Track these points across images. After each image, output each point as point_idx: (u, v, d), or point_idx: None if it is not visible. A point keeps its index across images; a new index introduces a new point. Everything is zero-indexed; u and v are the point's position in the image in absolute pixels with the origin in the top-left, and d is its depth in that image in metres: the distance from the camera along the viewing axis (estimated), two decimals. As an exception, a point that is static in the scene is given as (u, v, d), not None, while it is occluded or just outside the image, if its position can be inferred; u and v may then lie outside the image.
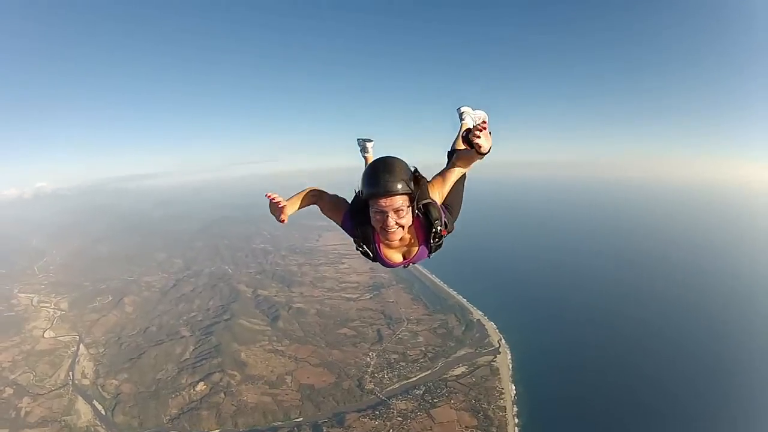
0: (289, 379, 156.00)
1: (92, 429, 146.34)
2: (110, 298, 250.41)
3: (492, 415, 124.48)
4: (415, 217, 9.09)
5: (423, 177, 9.11)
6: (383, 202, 8.60)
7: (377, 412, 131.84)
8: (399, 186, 8.50)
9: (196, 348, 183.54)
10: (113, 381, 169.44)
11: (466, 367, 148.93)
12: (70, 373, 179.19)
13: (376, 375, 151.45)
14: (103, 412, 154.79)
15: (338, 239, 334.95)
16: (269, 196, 10.23)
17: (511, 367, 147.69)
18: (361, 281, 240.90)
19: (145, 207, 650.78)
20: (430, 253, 10.08)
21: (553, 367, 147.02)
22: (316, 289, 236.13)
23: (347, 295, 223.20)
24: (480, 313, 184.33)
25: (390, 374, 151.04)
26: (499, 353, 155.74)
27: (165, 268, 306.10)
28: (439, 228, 9.26)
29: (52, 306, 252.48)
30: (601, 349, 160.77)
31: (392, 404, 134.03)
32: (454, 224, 10.66)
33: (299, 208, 10.56)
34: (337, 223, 10.37)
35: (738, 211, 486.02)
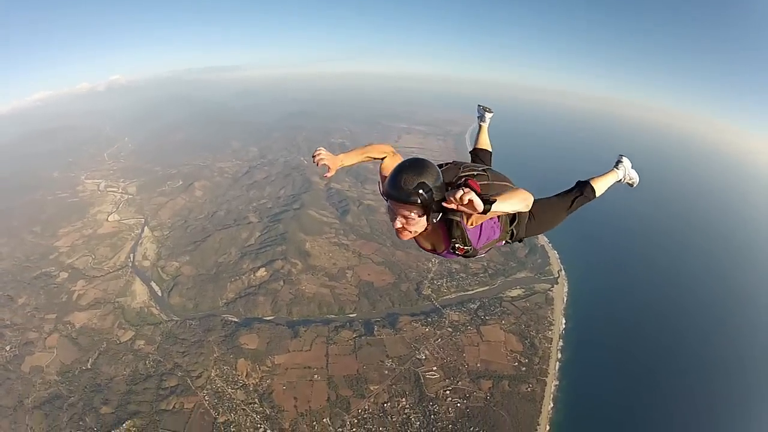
0: (349, 273, 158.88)
1: (146, 310, 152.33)
2: (180, 182, 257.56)
3: (538, 344, 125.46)
4: (440, 223, 9.07)
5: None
6: (392, 204, 8.75)
7: (429, 319, 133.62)
8: (411, 197, 8.35)
9: (261, 234, 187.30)
10: (174, 263, 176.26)
11: (523, 290, 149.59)
12: (131, 255, 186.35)
13: (435, 282, 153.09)
14: (159, 294, 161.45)
15: (417, 142, 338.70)
16: (316, 154, 10.59)
17: (565, 300, 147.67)
18: None
19: (223, 97, 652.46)
20: (463, 255, 9.90)
21: (605, 311, 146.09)
22: None
23: None
24: (545, 239, 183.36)
25: (449, 283, 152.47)
26: (557, 284, 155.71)
27: (240, 155, 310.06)
28: (457, 245, 9.37)
29: (120, 190, 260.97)
30: (655, 304, 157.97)
31: (445, 314, 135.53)
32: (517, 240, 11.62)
33: (358, 163, 11.16)
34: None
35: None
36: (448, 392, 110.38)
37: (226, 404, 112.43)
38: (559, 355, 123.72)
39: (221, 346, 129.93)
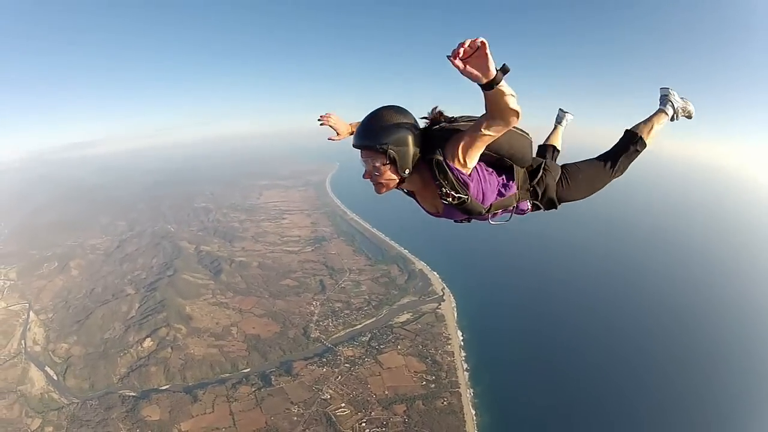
0: (234, 330, 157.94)
1: (46, 396, 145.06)
2: (56, 264, 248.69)
3: (440, 359, 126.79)
4: (428, 174, 7.98)
5: (444, 129, 8.07)
6: (361, 153, 8.06)
7: (324, 359, 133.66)
8: (368, 141, 7.72)
9: (141, 305, 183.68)
10: (63, 345, 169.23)
11: (411, 314, 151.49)
12: (22, 341, 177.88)
13: (321, 323, 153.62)
14: (55, 378, 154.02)
15: (280, 196, 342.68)
16: (324, 116, 9.91)
17: (456, 314, 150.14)
18: (303, 235, 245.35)
19: (86, 174, 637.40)
20: (465, 212, 8.77)
21: (498, 317, 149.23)
22: (257, 244, 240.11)
23: (289, 248, 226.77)
24: (422, 263, 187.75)
25: (335, 322, 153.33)
26: (444, 301, 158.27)
27: (109, 231, 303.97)
28: (443, 189, 8.03)
29: (2, 277, 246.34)
30: (542, 292, 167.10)
31: (339, 351, 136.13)
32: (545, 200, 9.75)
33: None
34: None
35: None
36: (363, 425, 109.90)
37: None
38: (466, 365, 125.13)
39: (126, 422, 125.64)
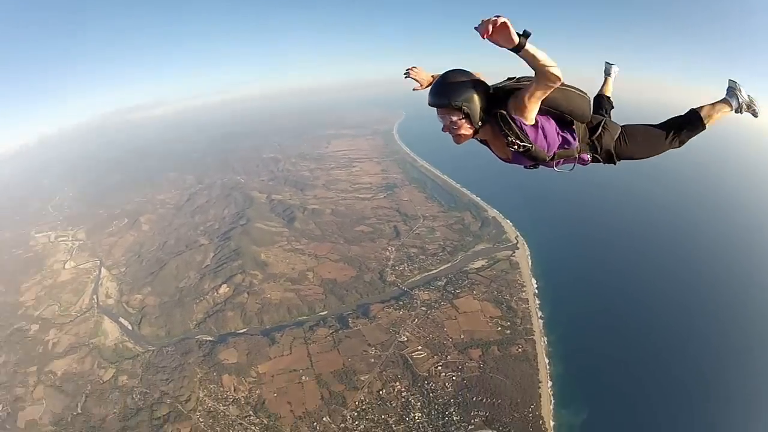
0: (310, 275, 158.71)
1: (120, 346, 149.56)
2: (126, 221, 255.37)
3: (515, 306, 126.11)
4: (497, 127, 9.19)
5: (505, 89, 9.27)
6: (437, 111, 9.07)
7: (401, 303, 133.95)
8: (444, 100, 8.74)
9: (216, 254, 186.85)
10: (137, 296, 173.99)
11: (485, 260, 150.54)
12: (94, 296, 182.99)
13: (396, 268, 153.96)
14: (129, 328, 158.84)
15: (348, 145, 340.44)
16: (409, 68, 11.23)
17: (530, 262, 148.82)
18: (374, 182, 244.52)
19: (151, 134, 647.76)
20: (532, 159, 10.04)
21: (572, 267, 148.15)
22: (329, 191, 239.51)
23: (361, 196, 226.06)
24: (495, 211, 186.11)
25: (410, 267, 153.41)
26: (518, 249, 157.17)
27: (177, 185, 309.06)
28: (509, 139, 9.18)
29: (70, 238, 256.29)
30: (618, 247, 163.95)
31: (415, 295, 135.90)
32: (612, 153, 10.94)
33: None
34: None
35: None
36: (439, 368, 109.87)
37: (222, 422, 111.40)
38: (540, 313, 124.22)
39: (202, 366, 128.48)
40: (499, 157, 10.65)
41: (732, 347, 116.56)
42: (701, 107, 11.64)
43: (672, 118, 11.66)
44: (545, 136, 9.55)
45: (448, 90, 8.72)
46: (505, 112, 8.93)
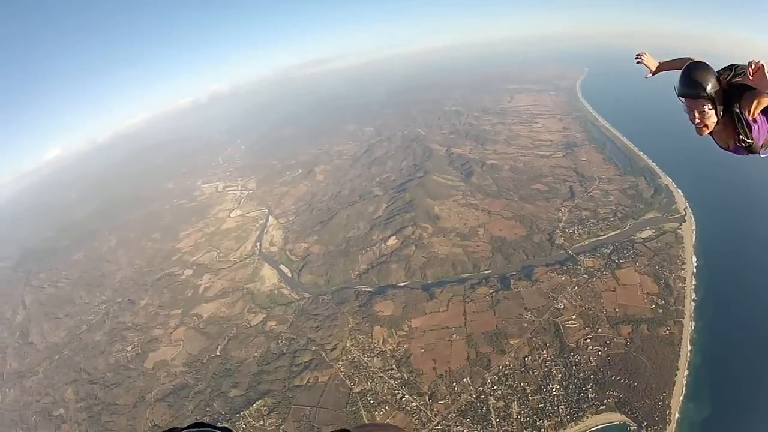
0: (481, 231, 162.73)
1: (276, 292, 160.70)
2: (300, 171, 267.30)
3: (672, 284, 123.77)
4: (727, 119, 9.91)
5: (735, 86, 9.71)
6: (687, 102, 9.64)
7: (565, 267, 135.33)
8: (701, 91, 9.31)
9: (389, 205, 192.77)
10: (302, 244, 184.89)
11: (653, 230, 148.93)
12: (257, 244, 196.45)
13: (566, 230, 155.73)
14: (289, 275, 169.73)
15: (531, 100, 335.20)
16: (640, 54, 12.13)
17: (694, 237, 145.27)
18: (554, 140, 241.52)
19: (330, 86, 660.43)
20: (747, 150, 10.67)
21: (735, 246, 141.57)
22: (509, 147, 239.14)
23: (540, 153, 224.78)
24: (669, 178, 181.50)
25: (580, 230, 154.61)
26: (685, 221, 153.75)
27: (356, 137, 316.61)
28: (740, 136, 10.01)
29: (239, 188, 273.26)
30: None
31: (580, 261, 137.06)
32: None
33: (671, 69, 11.37)
34: None
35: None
36: (588, 341, 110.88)
37: (363, 373, 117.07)
38: (694, 295, 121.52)
39: (356, 316, 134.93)
40: (719, 146, 11.31)
41: None
42: None
43: None
44: (760, 131, 10.19)
45: (702, 81, 9.39)
46: (739, 111, 9.69)
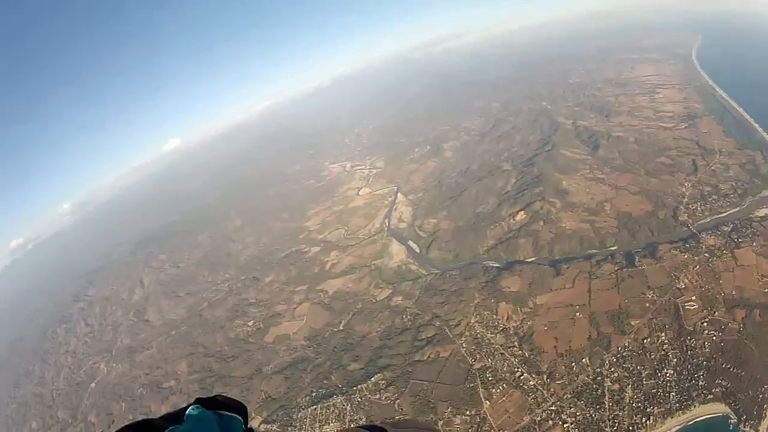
0: (608, 206, 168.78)
1: (403, 268, 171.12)
2: (428, 148, 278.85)
3: None
4: None
5: None
6: None
7: (688, 245, 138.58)
8: None
9: (517, 180, 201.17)
10: (431, 220, 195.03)
11: None
12: (386, 221, 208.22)
13: (690, 206, 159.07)
14: (417, 251, 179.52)
15: (652, 70, 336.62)
16: None
17: None
18: (676, 111, 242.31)
19: (453, 64, 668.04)
20: None
21: None
22: (633, 119, 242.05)
23: (663, 124, 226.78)
24: None
25: (703, 207, 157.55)
26: None
27: (483, 113, 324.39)
28: None
29: (367, 167, 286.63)
30: None
31: (702, 239, 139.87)
32: None
33: None
34: None
35: None
36: (705, 324, 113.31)
37: (484, 350, 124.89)
38: None
39: (482, 292, 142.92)
40: None
41: None
42: None
43: None
44: None
45: None
46: None
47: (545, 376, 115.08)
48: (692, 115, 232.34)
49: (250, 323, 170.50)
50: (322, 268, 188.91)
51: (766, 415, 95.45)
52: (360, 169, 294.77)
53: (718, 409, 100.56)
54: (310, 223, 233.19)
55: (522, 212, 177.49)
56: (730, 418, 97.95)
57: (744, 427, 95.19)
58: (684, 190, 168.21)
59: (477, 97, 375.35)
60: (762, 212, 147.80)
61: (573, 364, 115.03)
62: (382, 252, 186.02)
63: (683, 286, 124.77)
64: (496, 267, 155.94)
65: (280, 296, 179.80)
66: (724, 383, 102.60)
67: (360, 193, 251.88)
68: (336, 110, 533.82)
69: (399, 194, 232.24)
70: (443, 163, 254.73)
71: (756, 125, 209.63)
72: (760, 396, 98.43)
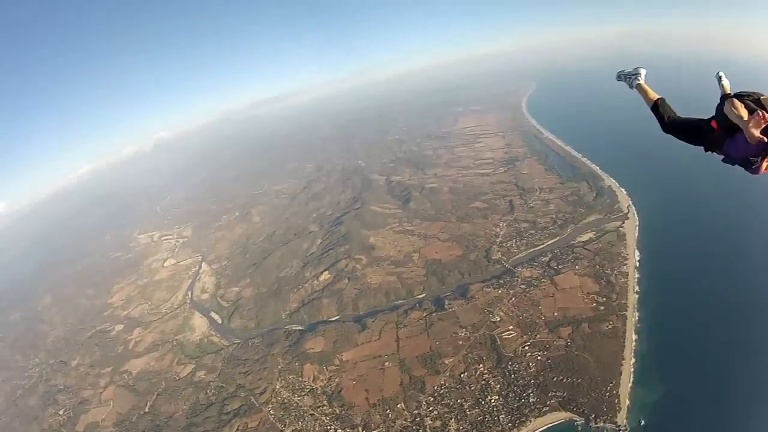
0: (416, 256, 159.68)
1: (205, 341, 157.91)
2: (237, 214, 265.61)
3: (614, 281, 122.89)
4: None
5: None
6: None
7: (501, 281, 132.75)
8: None
9: (323, 240, 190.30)
10: (234, 289, 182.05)
11: (594, 232, 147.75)
12: (189, 292, 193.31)
13: (504, 244, 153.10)
14: (219, 321, 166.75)
15: (475, 121, 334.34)
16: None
17: (637, 232, 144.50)
18: (496, 157, 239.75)
19: (273, 127, 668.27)
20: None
21: (678, 238, 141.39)
22: (450, 169, 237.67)
23: (482, 171, 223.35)
24: (612, 179, 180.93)
25: (518, 243, 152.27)
26: (627, 219, 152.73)
27: (296, 174, 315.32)
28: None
29: (174, 236, 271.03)
30: (730, 229, 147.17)
31: (517, 272, 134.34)
32: None
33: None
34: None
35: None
36: (526, 347, 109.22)
37: (293, 413, 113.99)
38: (637, 287, 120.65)
39: (285, 357, 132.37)
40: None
41: None
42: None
43: None
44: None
45: None
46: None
47: (360, 428, 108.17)
48: (513, 159, 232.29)
49: (60, 412, 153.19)
50: (126, 347, 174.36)
51: (621, 407, 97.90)
52: (168, 238, 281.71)
53: (558, 417, 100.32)
54: (114, 299, 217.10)
55: (326, 272, 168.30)
56: (576, 421, 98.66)
57: (598, 423, 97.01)
58: (498, 230, 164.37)
59: (292, 159, 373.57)
60: (585, 237, 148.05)
61: (388, 411, 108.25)
62: (184, 326, 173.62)
63: (498, 319, 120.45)
64: (299, 330, 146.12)
65: (87, 380, 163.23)
66: (559, 394, 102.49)
67: (165, 264, 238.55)
68: (153, 176, 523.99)
69: (203, 264, 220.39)
70: (250, 228, 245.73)
71: (584, 159, 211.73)
72: (608, 394, 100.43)
